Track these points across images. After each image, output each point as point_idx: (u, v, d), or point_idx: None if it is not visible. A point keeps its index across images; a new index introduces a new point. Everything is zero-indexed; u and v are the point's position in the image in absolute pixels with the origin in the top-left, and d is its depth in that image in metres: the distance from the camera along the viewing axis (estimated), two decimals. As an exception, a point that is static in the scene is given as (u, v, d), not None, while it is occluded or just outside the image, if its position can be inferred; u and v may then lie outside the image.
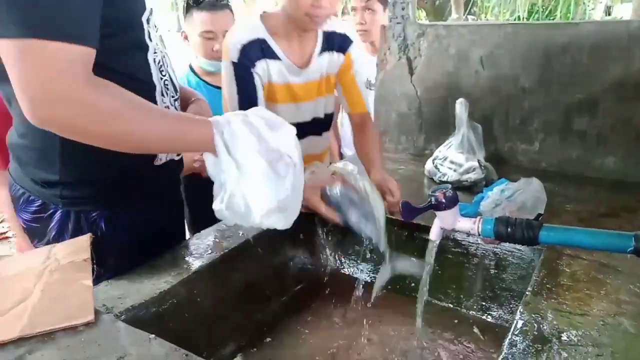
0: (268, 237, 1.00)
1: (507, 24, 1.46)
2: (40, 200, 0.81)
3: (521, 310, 0.68)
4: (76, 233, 0.80)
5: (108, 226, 0.82)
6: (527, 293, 0.73)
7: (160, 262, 0.80)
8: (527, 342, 0.61)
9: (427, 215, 0.73)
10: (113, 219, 0.83)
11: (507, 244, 0.90)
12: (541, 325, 0.64)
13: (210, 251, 0.87)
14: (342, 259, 1.11)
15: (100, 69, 0.67)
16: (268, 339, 0.86)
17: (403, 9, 1.51)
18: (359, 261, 1.09)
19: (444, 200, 0.68)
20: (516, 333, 0.63)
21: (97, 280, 0.76)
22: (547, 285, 0.74)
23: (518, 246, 0.89)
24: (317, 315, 0.94)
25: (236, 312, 0.88)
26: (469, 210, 0.79)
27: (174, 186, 1.01)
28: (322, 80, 1.28)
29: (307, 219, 1.08)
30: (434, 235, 0.74)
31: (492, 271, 0.93)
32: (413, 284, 0.98)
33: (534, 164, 1.38)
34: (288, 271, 1.04)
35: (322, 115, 1.34)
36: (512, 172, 1.05)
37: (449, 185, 0.70)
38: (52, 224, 0.81)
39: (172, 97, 0.90)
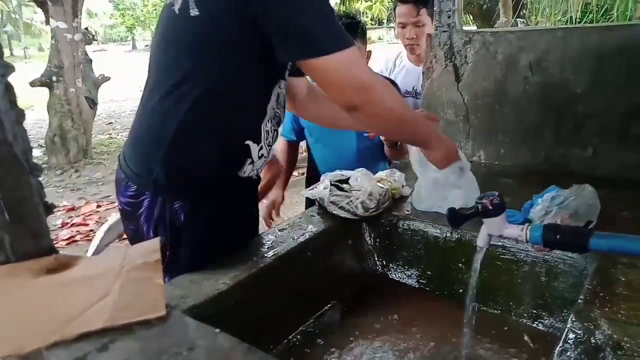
0: (318, 242, 1.04)
1: (557, 29, 1.43)
2: (135, 186, 0.95)
3: (573, 319, 0.67)
4: (159, 220, 0.94)
5: (187, 218, 0.92)
6: (579, 301, 0.72)
7: (222, 262, 0.86)
8: (578, 351, 0.61)
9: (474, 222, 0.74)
10: (192, 212, 0.93)
11: (558, 252, 0.89)
12: (594, 335, 0.63)
13: (265, 255, 0.92)
14: (390, 264, 1.13)
15: (239, 76, 0.89)
16: (319, 341, 0.89)
17: (449, 17, 1.51)
18: (406, 266, 1.11)
19: (491, 207, 0.69)
20: (568, 342, 0.63)
21: (169, 269, 0.85)
22: (601, 294, 0.72)
23: (569, 254, 0.88)
24: (364, 319, 0.97)
25: (287, 314, 0.92)
26: (518, 217, 0.80)
27: (252, 198, 1.12)
28: None
29: (355, 225, 1.12)
30: (481, 241, 0.75)
31: (543, 279, 0.92)
32: (461, 290, 0.99)
33: (589, 170, 1.34)
34: (337, 275, 1.08)
35: None
36: (564, 179, 1.03)
37: (496, 193, 0.71)
38: (142, 209, 0.93)
39: (277, 124, 1.05)
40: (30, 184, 0.69)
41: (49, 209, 0.74)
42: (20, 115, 0.70)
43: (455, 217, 0.75)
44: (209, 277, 0.81)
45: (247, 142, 1.00)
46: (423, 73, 1.64)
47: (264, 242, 1.00)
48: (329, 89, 0.92)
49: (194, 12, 0.90)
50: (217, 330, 0.52)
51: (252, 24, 0.86)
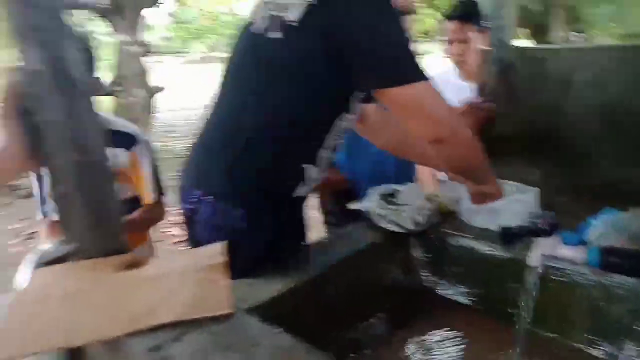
0: (367, 254, 1.07)
1: (614, 47, 1.40)
2: (197, 193, 1.03)
3: (630, 347, 0.66)
4: (218, 226, 0.98)
5: (244, 226, 0.98)
6: (637, 328, 0.71)
7: (276, 269, 0.91)
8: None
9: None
10: (249, 220, 0.98)
11: (616, 275, 0.87)
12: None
13: (316, 263, 0.96)
14: (437, 279, 1.13)
15: (308, 103, 0.94)
16: (366, 351, 0.91)
17: (502, 33, 1.51)
18: (454, 283, 1.11)
19: (545, 227, 0.70)
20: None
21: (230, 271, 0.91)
22: (663, 321, 0.71)
23: (628, 278, 0.86)
24: (410, 333, 0.98)
25: (336, 322, 0.95)
26: (572, 238, 0.79)
27: (302, 212, 1.17)
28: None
29: (403, 239, 1.14)
30: (534, 261, 0.75)
31: (599, 303, 0.90)
32: (511, 310, 0.98)
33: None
34: (384, 288, 1.10)
35: None
36: (619, 200, 1.00)
37: (551, 212, 0.71)
38: (202, 215, 1.01)
39: (333, 151, 1.08)
40: (113, 189, 0.77)
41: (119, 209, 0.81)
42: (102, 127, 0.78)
43: (508, 236, 0.76)
44: (264, 282, 0.85)
45: (304, 165, 1.05)
46: (475, 89, 1.64)
47: (314, 252, 1.04)
48: (412, 120, 0.95)
49: (275, 35, 0.96)
50: (278, 330, 0.56)
51: (333, 53, 0.90)
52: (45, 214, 1.36)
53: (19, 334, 0.59)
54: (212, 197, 1.05)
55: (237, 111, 1.03)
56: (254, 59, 1.01)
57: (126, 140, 1.40)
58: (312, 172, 1.08)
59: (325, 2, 0.92)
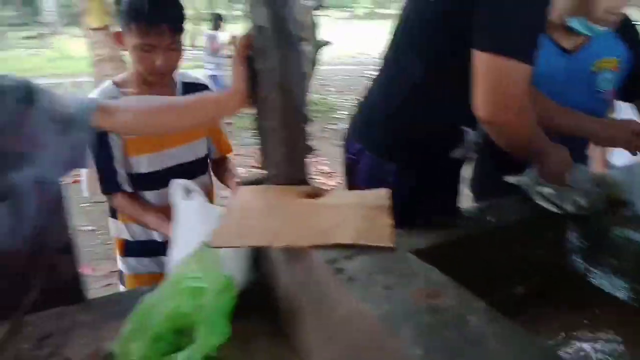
0: (518, 228, 1.08)
1: None
2: (358, 145, 1.15)
3: None
4: (373, 177, 1.12)
5: (397, 179, 1.08)
6: None
7: (425, 225, 0.99)
8: None
9: None
10: (402, 175, 1.09)
11: None
12: None
13: (466, 227, 1.02)
14: (593, 268, 1.10)
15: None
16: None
17: None
18: (612, 275, 1.06)
19: None
20: None
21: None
22: None
23: None
24: (557, 315, 0.97)
25: (479, 288, 1.00)
26: None
27: (456, 176, 1.24)
28: None
29: (560, 220, 1.11)
30: None
31: None
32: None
33: None
34: (533, 266, 1.10)
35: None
36: None
37: None
38: (360, 165, 1.15)
39: None
40: (305, 129, 0.92)
41: (310, 150, 0.97)
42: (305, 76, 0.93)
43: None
44: (412, 235, 0.94)
45: (463, 127, 1.09)
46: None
47: (466, 216, 1.09)
48: (479, 89, 0.91)
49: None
50: (431, 266, 0.66)
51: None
52: (115, 188, 1.33)
53: (235, 230, 0.79)
54: (370, 150, 1.18)
55: (399, 70, 1.12)
56: (415, 21, 1.07)
57: (201, 90, 1.42)
58: (471, 136, 1.12)
59: None
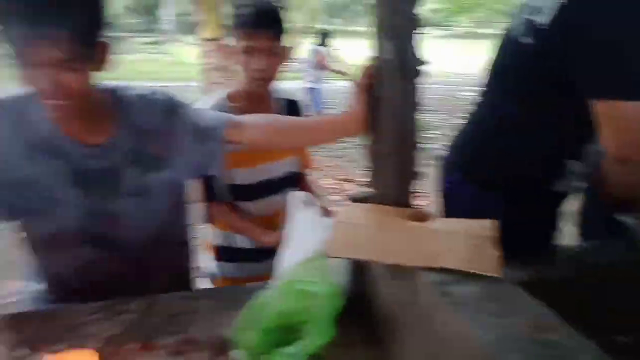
0: (625, 271, 1.04)
1: None
2: (458, 174, 1.19)
3: None
4: (473, 206, 1.13)
5: (496, 210, 1.10)
6: None
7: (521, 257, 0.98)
8: None
9: None
10: (507, 203, 1.10)
11: None
12: None
13: (564, 265, 1.00)
14: None
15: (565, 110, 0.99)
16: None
17: None
18: None
19: None
20: None
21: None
22: None
23: None
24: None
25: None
26: None
27: (555, 208, 1.21)
28: None
29: None
30: None
31: None
32: None
33: None
34: (633, 317, 1.05)
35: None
36: None
37: None
38: (460, 194, 1.18)
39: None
40: (413, 156, 0.98)
41: (418, 175, 1.02)
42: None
43: None
44: (515, 268, 0.94)
45: (566, 161, 1.09)
46: None
47: (563, 252, 1.07)
48: (607, 134, 0.92)
49: (527, 40, 1.02)
50: (541, 303, 0.68)
51: (579, 53, 0.91)
52: (215, 197, 1.49)
53: (347, 243, 0.87)
54: (469, 180, 1.20)
55: (497, 108, 1.14)
56: (511, 66, 1.08)
57: (295, 108, 1.59)
58: (576, 167, 1.11)
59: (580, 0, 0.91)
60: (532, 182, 1.15)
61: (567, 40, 0.94)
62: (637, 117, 0.88)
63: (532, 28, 1.00)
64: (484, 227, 0.90)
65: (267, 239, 1.43)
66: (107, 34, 0.96)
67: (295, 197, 1.02)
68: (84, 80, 0.94)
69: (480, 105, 1.27)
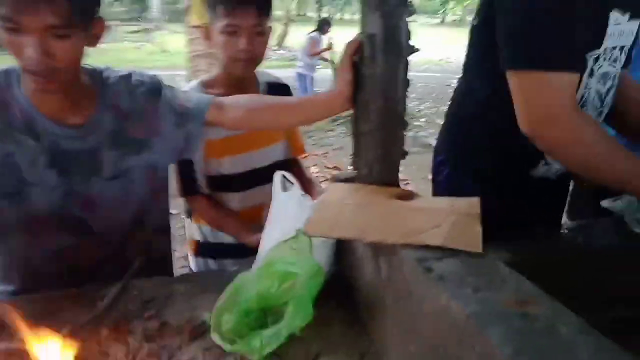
0: (611, 255, 1.03)
1: None
2: (440, 157, 1.20)
3: None
4: (453, 191, 1.11)
5: (480, 193, 1.09)
6: None
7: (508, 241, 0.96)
8: None
9: None
10: (481, 194, 1.09)
11: None
12: None
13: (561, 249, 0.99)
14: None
15: None
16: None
17: None
18: None
19: None
20: None
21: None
22: None
23: None
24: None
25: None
26: None
27: (549, 197, 1.20)
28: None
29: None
30: None
31: None
32: None
33: None
34: (625, 298, 1.04)
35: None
36: None
37: None
38: (441, 177, 1.18)
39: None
40: (400, 134, 0.96)
41: (404, 154, 1.00)
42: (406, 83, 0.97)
43: None
44: (499, 247, 0.92)
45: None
46: None
47: (556, 236, 1.06)
48: (518, 108, 0.86)
49: (475, 21, 1.04)
50: (524, 277, 0.67)
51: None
52: (194, 191, 1.37)
53: (329, 222, 0.85)
54: (449, 163, 1.19)
55: (470, 92, 1.13)
56: (470, 46, 1.10)
57: (283, 91, 1.47)
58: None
59: None
60: (510, 167, 1.12)
61: (493, 10, 0.93)
62: (545, 89, 0.81)
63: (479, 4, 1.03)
64: (470, 204, 0.88)
65: (249, 239, 1.26)
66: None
67: (278, 176, 1.00)
68: (76, 52, 0.91)
69: (455, 90, 1.27)
